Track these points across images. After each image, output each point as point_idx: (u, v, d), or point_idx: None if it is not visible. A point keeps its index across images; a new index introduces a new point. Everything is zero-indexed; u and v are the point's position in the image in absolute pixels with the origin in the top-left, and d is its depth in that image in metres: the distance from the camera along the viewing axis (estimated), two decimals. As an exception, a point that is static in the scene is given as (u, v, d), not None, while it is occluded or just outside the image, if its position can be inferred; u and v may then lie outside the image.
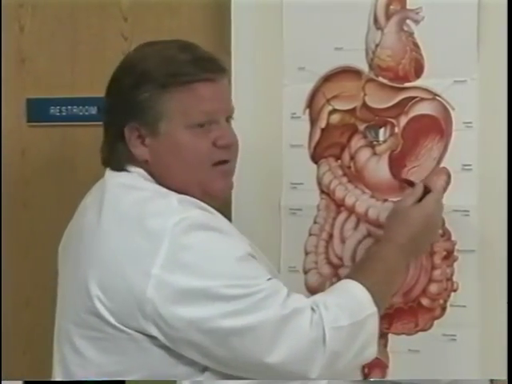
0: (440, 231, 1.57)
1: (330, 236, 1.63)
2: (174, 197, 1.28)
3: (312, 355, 1.22)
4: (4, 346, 1.89)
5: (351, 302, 1.28)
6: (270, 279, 1.26)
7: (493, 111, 1.53)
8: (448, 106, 1.55)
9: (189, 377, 1.25)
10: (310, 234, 1.65)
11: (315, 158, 1.64)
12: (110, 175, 1.34)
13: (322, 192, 1.64)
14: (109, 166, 1.35)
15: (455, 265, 1.57)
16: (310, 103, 1.63)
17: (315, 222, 1.64)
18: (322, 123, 1.63)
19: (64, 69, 1.84)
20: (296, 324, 1.22)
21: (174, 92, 1.29)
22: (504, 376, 1.43)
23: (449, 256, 1.58)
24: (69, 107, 1.86)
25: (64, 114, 1.86)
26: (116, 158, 1.34)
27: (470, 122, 1.55)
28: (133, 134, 1.31)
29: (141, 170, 1.33)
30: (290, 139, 1.64)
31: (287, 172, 1.65)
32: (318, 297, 1.29)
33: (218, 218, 1.32)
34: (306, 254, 1.65)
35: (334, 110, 1.62)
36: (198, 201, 1.31)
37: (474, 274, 1.56)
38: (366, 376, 1.61)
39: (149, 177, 1.33)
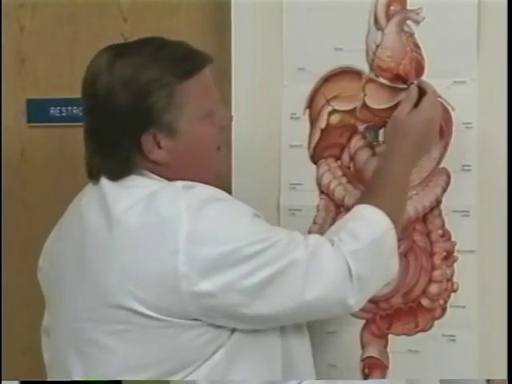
0: (440, 231, 1.58)
1: (330, 236, 1.63)
2: (176, 183, 1.30)
3: (343, 283, 1.28)
4: (4, 347, 1.89)
5: (364, 225, 1.33)
6: (285, 232, 1.31)
7: (492, 112, 1.53)
8: (448, 107, 1.55)
9: (216, 351, 1.28)
10: (310, 235, 1.64)
11: (315, 158, 1.64)
12: (109, 186, 1.33)
13: (322, 192, 1.64)
14: (107, 177, 1.32)
15: (455, 265, 1.57)
16: (310, 104, 1.63)
17: (315, 223, 1.64)
18: (322, 124, 1.63)
19: (64, 69, 1.84)
20: (321, 259, 1.27)
21: (183, 89, 1.31)
22: (503, 376, 1.43)
23: (449, 256, 1.58)
24: (69, 108, 1.86)
25: (64, 114, 1.86)
26: (114, 167, 1.32)
27: (469, 123, 1.55)
28: (149, 140, 1.30)
29: (151, 174, 1.33)
30: (290, 139, 1.64)
31: (286, 172, 1.65)
32: (331, 232, 1.35)
33: (219, 191, 1.34)
34: (306, 254, 1.64)
35: (334, 111, 1.62)
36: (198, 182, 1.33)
37: (474, 274, 1.56)
38: (365, 376, 1.61)
39: (155, 177, 1.33)
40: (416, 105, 1.45)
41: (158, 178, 1.33)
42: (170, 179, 1.32)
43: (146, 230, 1.25)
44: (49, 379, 1.38)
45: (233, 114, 1.64)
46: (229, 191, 1.66)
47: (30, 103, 1.87)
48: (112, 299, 1.25)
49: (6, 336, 1.89)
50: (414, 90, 1.47)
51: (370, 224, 1.33)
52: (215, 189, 1.33)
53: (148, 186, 1.30)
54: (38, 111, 1.87)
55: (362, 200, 1.41)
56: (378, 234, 1.33)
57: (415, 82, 1.50)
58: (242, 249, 1.25)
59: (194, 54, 1.35)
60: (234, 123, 1.64)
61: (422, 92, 1.46)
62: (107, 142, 1.32)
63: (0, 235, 1.88)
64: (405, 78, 1.53)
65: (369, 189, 1.45)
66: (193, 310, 1.24)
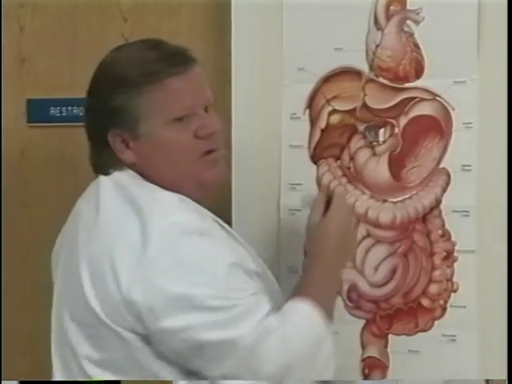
0: (440, 231, 1.58)
1: (330, 236, 1.63)
2: (169, 198, 1.28)
3: (280, 374, 1.23)
4: (4, 347, 1.88)
5: (301, 321, 1.26)
6: (254, 294, 1.25)
7: (492, 112, 1.53)
8: (448, 107, 1.56)
9: (181, 376, 1.26)
10: (310, 235, 1.64)
11: (315, 158, 1.64)
12: (103, 178, 1.34)
13: (322, 192, 1.63)
14: (99, 172, 1.35)
15: (455, 265, 1.57)
16: (310, 104, 1.63)
17: (315, 223, 1.64)
18: (322, 124, 1.63)
19: (64, 69, 1.83)
20: (268, 343, 1.21)
21: (147, 92, 1.28)
22: (503, 376, 1.43)
23: (449, 256, 1.58)
24: (69, 108, 1.85)
25: (64, 114, 1.86)
26: (104, 163, 1.33)
27: (469, 123, 1.55)
28: (116, 139, 1.31)
29: (131, 172, 1.33)
30: (290, 140, 1.64)
31: (286, 172, 1.65)
32: (279, 318, 1.26)
33: (209, 223, 1.31)
34: (306, 254, 1.64)
35: (334, 111, 1.62)
36: (193, 202, 1.31)
37: (474, 274, 1.56)
38: (366, 376, 1.61)
39: (139, 177, 1.32)
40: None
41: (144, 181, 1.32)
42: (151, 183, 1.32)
43: (123, 238, 1.24)
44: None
45: (233, 114, 1.64)
46: (229, 191, 1.67)
47: (30, 103, 1.86)
48: (84, 301, 1.26)
49: (6, 336, 1.89)
50: (320, 197, 1.40)
51: (307, 334, 1.26)
52: (206, 221, 1.29)
53: (140, 191, 1.29)
54: (38, 111, 1.86)
55: (297, 295, 1.31)
56: (321, 339, 1.27)
57: (322, 190, 1.47)
58: (199, 298, 1.20)
59: (170, 58, 1.31)
60: (233, 123, 1.65)
61: (330, 198, 1.40)
62: (90, 139, 1.36)
63: (0, 235, 1.88)
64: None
65: (304, 286, 1.34)
66: (142, 332, 1.23)
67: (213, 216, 1.36)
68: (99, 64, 1.34)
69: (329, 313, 1.29)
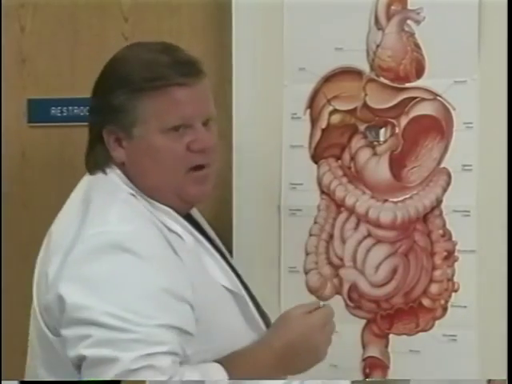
0: (440, 231, 1.58)
1: (331, 236, 1.63)
2: (119, 206, 1.26)
3: None
4: (4, 347, 1.88)
5: None
6: (160, 325, 1.17)
7: (493, 111, 1.53)
8: (448, 107, 1.56)
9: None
10: (311, 235, 1.64)
11: (315, 158, 1.64)
12: (85, 178, 1.35)
13: (323, 192, 1.64)
14: (88, 168, 1.35)
15: (456, 265, 1.57)
16: (311, 103, 1.63)
17: (315, 223, 1.64)
18: (323, 123, 1.63)
19: (65, 69, 1.83)
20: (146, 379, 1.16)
21: (148, 96, 1.28)
22: (504, 376, 1.43)
23: (449, 256, 1.58)
24: (69, 108, 1.85)
25: (65, 114, 1.86)
26: (95, 159, 1.34)
27: (470, 123, 1.55)
28: (111, 136, 1.31)
29: (118, 171, 1.32)
30: (291, 139, 1.64)
31: (287, 172, 1.65)
32: (186, 371, 1.20)
33: (150, 243, 1.23)
34: (307, 254, 1.64)
35: (335, 111, 1.62)
36: (151, 217, 1.27)
37: (475, 274, 1.56)
38: (366, 376, 1.61)
39: (125, 178, 1.31)
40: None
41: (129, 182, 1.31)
42: (136, 185, 1.31)
43: (62, 236, 1.26)
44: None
45: (233, 113, 1.64)
46: (229, 191, 1.67)
47: (31, 103, 1.86)
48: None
49: (6, 336, 1.89)
50: (314, 303, 1.34)
51: None
52: (147, 239, 1.23)
53: (101, 196, 1.28)
54: (38, 111, 1.86)
55: (224, 361, 1.25)
56: None
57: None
58: (98, 313, 1.16)
59: (179, 67, 1.29)
60: (234, 123, 1.65)
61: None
62: (89, 134, 1.36)
63: (0, 235, 1.88)
64: None
65: (229, 359, 1.27)
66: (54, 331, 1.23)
67: (176, 237, 1.29)
68: (110, 60, 1.34)
69: None
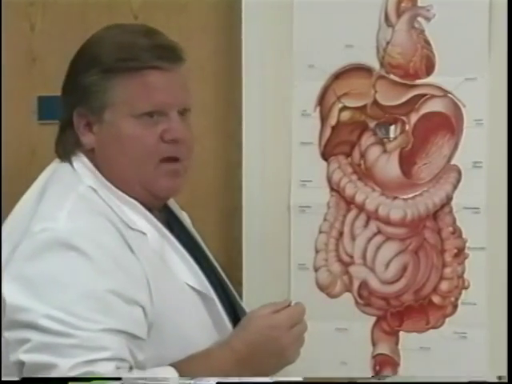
0: (450, 229, 1.57)
1: (340, 233, 1.63)
2: (72, 201, 1.20)
3: None
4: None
5: None
6: (105, 330, 1.11)
7: (503, 108, 1.53)
8: (459, 104, 1.55)
9: None
10: (320, 232, 1.64)
11: (325, 155, 1.64)
12: (50, 166, 1.30)
13: (332, 189, 1.63)
14: (57, 154, 1.29)
15: (466, 262, 1.57)
16: (321, 101, 1.63)
17: (325, 220, 1.64)
18: (333, 121, 1.62)
19: (74, 67, 1.84)
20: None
21: (121, 78, 1.22)
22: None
23: (459, 254, 1.58)
24: (79, 105, 1.85)
25: (74, 112, 1.86)
26: (63, 145, 1.28)
27: (480, 120, 1.55)
28: (81, 120, 1.25)
29: (84, 159, 1.26)
30: (300, 137, 1.64)
31: (297, 169, 1.65)
32: (134, 373, 1.14)
33: (100, 241, 1.16)
34: (316, 251, 1.64)
35: (345, 108, 1.61)
36: (106, 209, 1.21)
37: (485, 271, 1.55)
38: (377, 373, 1.61)
39: (92, 167, 1.25)
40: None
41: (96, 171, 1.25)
42: (103, 174, 1.25)
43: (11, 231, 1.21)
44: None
45: (243, 111, 1.64)
46: (239, 188, 1.67)
47: (41, 101, 1.86)
48: None
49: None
50: (283, 302, 1.24)
51: None
52: (95, 237, 1.16)
53: (59, 189, 1.23)
54: (48, 109, 1.86)
55: (176, 364, 1.19)
56: None
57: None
58: (36, 314, 1.11)
59: (158, 51, 1.23)
60: (244, 121, 1.64)
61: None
62: (61, 118, 1.31)
63: (0, 235, 1.88)
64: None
65: (186, 358, 1.20)
66: None
67: (137, 234, 1.22)
68: (86, 40, 1.30)
69: None
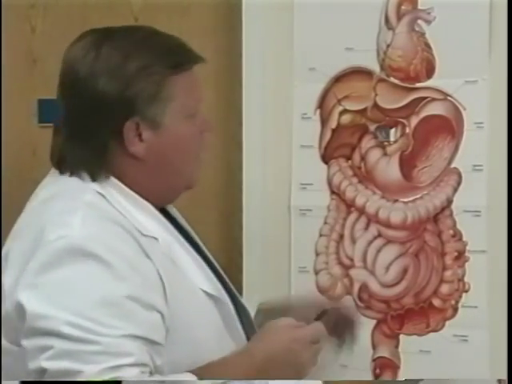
0: (451, 231, 1.57)
1: (341, 236, 1.63)
2: (83, 209, 1.18)
3: None
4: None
5: None
6: (126, 336, 1.11)
7: (503, 111, 1.52)
8: (459, 106, 1.55)
9: None
10: (321, 235, 1.64)
11: (325, 158, 1.64)
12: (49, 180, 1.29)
13: (333, 192, 1.64)
14: (81, 165, 1.24)
15: (466, 265, 1.57)
16: (321, 103, 1.63)
17: (325, 223, 1.64)
18: (333, 123, 1.63)
19: (75, 69, 1.84)
20: None
21: (174, 82, 1.22)
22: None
23: (460, 257, 1.58)
24: (79, 108, 1.85)
25: (75, 114, 1.86)
26: (93, 155, 1.22)
27: (481, 122, 1.55)
28: (131, 130, 1.21)
29: (114, 181, 1.23)
30: (301, 139, 1.64)
31: (297, 172, 1.65)
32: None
33: (115, 247, 1.15)
34: (317, 254, 1.64)
35: (345, 111, 1.62)
36: (117, 216, 1.19)
37: (485, 274, 1.55)
38: (377, 376, 1.61)
39: (123, 187, 1.23)
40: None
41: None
42: (136, 185, 1.23)
43: (23, 243, 1.19)
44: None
45: (243, 114, 1.64)
46: (239, 191, 1.67)
47: (42, 103, 1.87)
48: None
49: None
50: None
51: None
52: (111, 243, 1.15)
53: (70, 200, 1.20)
54: (49, 111, 1.86)
55: (196, 370, 1.18)
56: None
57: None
58: (56, 321, 1.10)
59: (186, 49, 1.26)
60: (244, 123, 1.65)
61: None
62: (86, 129, 1.23)
63: (0, 235, 1.88)
64: None
65: (206, 365, 1.19)
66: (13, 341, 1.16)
67: (149, 239, 1.21)
68: (116, 50, 1.23)
69: None
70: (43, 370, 1.10)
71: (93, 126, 1.23)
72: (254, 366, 1.19)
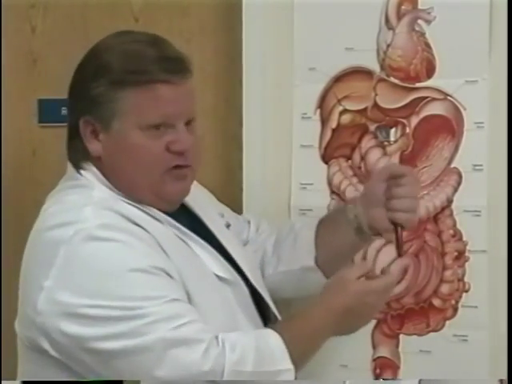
0: (451, 231, 1.57)
1: (340, 236, 1.63)
2: (90, 207, 1.24)
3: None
4: (4, 347, 1.88)
5: (264, 350, 1.21)
6: (170, 301, 1.18)
7: (504, 111, 1.52)
8: (459, 106, 1.55)
9: None
10: (321, 235, 1.64)
11: (326, 158, 1.64)
12: (64, 178, 1.35)
13: (333, 192, 1.64)
14: (71, 161, 1.32)
15: (466, 265, 1.57)
16: (321, 103, 1.63)
17: (326, 223, 1.64)
18: (333, 123, 1.63)
19: (75, 70, 1.84)
20: (184, 353, 1.16)
21: (130, 90, 1.24)
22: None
23: (460, 256, 1.57)
24: (80, 108, 1.85)
25: (75, 114, 1.86)
26: (74, 153, 1.31)
27: (481, 122, 1.55)
28: (87, 128, 1.27)
29: (94, 169, 1.29)
30: (301, 139, 1.64)
31: (297, 172, 1.65)
32: (231, 335, 1.21)
33: (125, 230, 1.22)
34: (317, 254, 1.64)
35: (345, 111, 1.62)
36: (120, 208, 1.25)
37: (486, 274, 1.55)
38: (377, 376, 1.61)
39: (101, 176, 1.29)
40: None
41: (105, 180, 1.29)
42: (111, 182, 1.29)
43: (34, 251, 1.27)
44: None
45: (244, 114, 1.64)
46: (240, 191, 1.67)
47: (42, 103, 1.87)
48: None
49: (6, 336, 1.89)
50: (367, 263, 1.39)
51: (270, 353, 1.21)
52: (122, 227, 1.22)
53: (69, 200, 1.28)
54: (49, 111, 1.87)
55: (275, 326, 1.28)
56: (274, 370, 1.21)
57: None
58: (94, 309, 1.17)
59: (167, 63, 1.25)
60: (244, 123, 1.65)
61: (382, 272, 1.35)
62: (68, 125, 1.32)
63: (0, 235, 1.88)
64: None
65: (285, 321, 1.33)
66: (48, 348, 1.22)
67: (140, 218, 1.26)
68: (93, 46, 1.31)
69: (297, 356, 1.22)
70: (107, 353, 1.16)
71: (69, 121, 1.32)
72: (332, 318, 1.26)
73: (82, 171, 1.30)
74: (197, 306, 1.23)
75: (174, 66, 1.25)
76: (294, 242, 1.48)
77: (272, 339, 1.22)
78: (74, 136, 1.30)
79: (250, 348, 1.19)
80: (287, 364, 1.21)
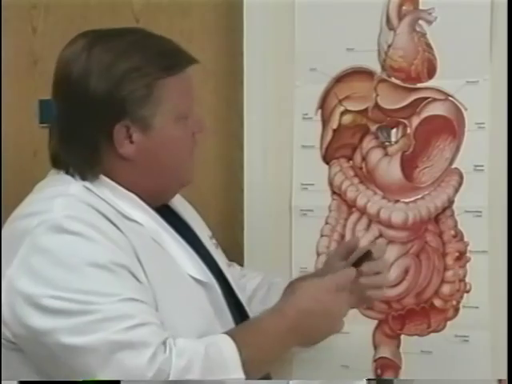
0: (452, 232, 1.57)
1: (342, 237, 1.63)
2: (61, 197, 1.23)
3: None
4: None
5: (214, 358, 1.17)
6: (124, 299, 1.15)
7: (505, 112, 1.52)
8: (460, 107, 1.55)
9: None
10: (322, 235, 1.64)
11: (327, 158, 1.64)
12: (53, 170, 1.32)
13: (334, 193, 1.64)
14: (75, 170, 1.28)
15: (468, 266, 1.57)
16: (322, 104, 1.63)
17: (327, 223, 1.64)
18: (334, 124, 1.63)
19: (76, 70, 1.84)
20: (129, 358, 1.12)
21: (167, 86, 1.25)
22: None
23: (461, 257, 1.57)
24: (80, 108, 1.85)
25: (76, 115, 1.86)
26: (78, 161, 1.26)
27: (482, 123, 1.55)
28: (122, 132, 1.24)
29: (108, 181, 1.27)
30: (302, 140, 1.64)
31: (298, 173, 1.65)
32: (180, 340, 1.17)
33: (91, 224, 1.19)
34: (318, 254, 1.64)
35: (346, 111, 1.62)
36: (97, 204, 1.23)
37: (487, 274, 1.55)
38: (378, 377, 1.61)
39: (113, 183, 1.27)
40: None
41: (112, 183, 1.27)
42: (128, 185, 1.27)
43: (5, 242, 1.24)
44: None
45: (245, 114, 1.64)
46: (240, 191, 1.67)
47: (43, 104, 1.87)
48: None
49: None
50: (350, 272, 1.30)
51: (222, 361, 1.17)
52: (88, 220, 1.19)
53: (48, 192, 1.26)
54: (50, 112, 1.86)
55: (228, 332, 1.24)
56: (220, 378, 1.17)
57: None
58: (49, 300, 1.14)
59: (178, 51, 1.29)
60: (245, 123, 1.65)
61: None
62: (78, 130, 1.26)
63: (0, 235, 1.88)
64: None
65: (238, 327, 1.28)
66: (11, 338, 1.20)
67: (134, 225, 1.25)
68: (109, 52, 1.25)
69: (250, 362, 1.18)
70: (53, 346, 1.13)
71: (84, 126, 1.25)
72: (285, 323, 1.22)
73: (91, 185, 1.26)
74: (166, 310, 1.20)
75: (187, 55, 1.29)
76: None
77: (225, 346, 1.18)
78: (85, 144, 1.25)
79: (198, 355, 1.16)
80: (238, 373, 1.17)
